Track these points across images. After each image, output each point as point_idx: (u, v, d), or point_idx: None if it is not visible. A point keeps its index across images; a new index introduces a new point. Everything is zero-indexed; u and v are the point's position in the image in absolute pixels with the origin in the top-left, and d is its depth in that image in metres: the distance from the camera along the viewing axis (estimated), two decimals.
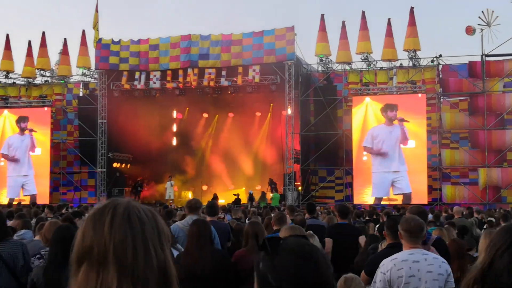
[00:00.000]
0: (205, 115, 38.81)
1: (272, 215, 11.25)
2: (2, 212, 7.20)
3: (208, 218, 9.64)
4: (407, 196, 29.07)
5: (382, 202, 28.75)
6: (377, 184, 30.03)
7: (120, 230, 1.84)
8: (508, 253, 1.84)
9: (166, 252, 1.91)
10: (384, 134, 30.11)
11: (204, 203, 19.89)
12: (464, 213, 17.32)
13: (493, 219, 13.99)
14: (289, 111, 31.93)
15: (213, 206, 9.88)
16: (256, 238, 6.89)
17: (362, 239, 9.76)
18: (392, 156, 29.88)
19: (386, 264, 5.47)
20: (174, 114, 38.72)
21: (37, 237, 7.94)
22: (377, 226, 11.68)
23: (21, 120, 34.86)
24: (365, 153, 30.65)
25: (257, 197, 32.88)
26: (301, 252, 1.99)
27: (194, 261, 6.35)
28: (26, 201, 31.57)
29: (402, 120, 29.68)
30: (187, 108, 38.22)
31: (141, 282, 1.81)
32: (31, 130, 34.50)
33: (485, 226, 14.62)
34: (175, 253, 6.86)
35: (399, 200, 28.74)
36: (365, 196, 30.36)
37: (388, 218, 6.98)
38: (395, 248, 6.34)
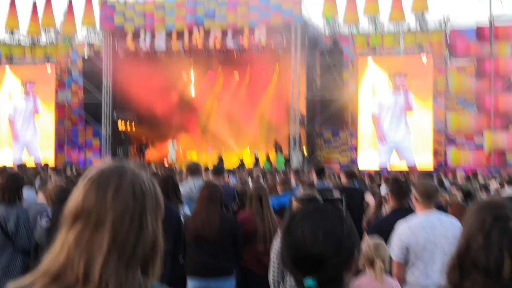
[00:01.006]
0: (211, 76, 38.67)
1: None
2: (19, 176, 7.21)
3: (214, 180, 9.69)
4: (410, 168, 28.94)
5: (388, 169, 28.74)
6: (382, 150, 30.07)
7: (123, 202, 1.83)
8: (481, 232, 1.77)
9: (159, 226, 1.93)
10: (390, 101, 30.07)
11: (209, 164, 19.85)
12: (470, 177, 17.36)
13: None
14: (294, 73, 31.76)
15: (219, 169, 9.92)
16: (260, 201, 6.92)
17: (369, 197, 9.83)
18: (397, 124, 29.87)
19: (402, 230, 5.47)
20: (179, 74, 38.52)
21: (40, 197, 7.98)
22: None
23: (27, 83, 34.94)
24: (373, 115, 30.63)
25: (261, 159, 32.89)
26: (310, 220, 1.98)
27: (202, 224, 6.39)
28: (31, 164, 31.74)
29: (405, 89, 29.76)
30: (192, 69, 38.05)
31: (126, 257, 1.81)
32: (34, 96, 34.65)
33: (491, 191, 14.66)
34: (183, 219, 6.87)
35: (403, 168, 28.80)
36: (369, 160, 30.41)
37: (392, 182, 6.97)
38: (400, 212, 6.35)
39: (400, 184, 6.61)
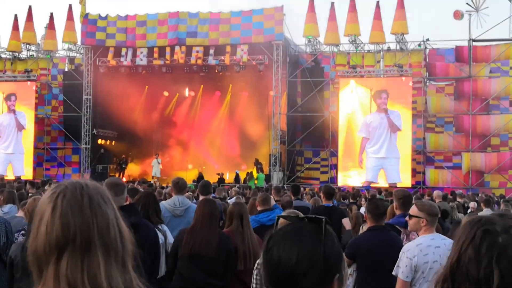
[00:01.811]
0: (192, 93, 38.68)
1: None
2: None
3: (201, 197, 9.65)
4: (392, 186, 29.07)
5: (354, 184, 28.80)
6: (369, 168, 30.14)
7: (101, 211, 1.82)
8: (472, 245, 1.85)
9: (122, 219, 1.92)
10: (376, 121, 30.22)
11: (189, 182, 19.62)
12: (449, 197, 17.49)
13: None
14: (276, 91, 31.89)
15: (206, 186, 9.85)
16: (241, 219, 6.91)
17: (345, 222, 9.78)
18: (382, 142, 30.01)
19: (412, 250, 5.53)
20: (160, 91, 38.51)
21: (19, 213, 7.90)
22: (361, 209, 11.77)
23: (7, 98, 34.78)
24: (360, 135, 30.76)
25: (243, 177, 32.91)
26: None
27: (200, 241, 6.34)
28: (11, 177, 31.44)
29: (385, 110, 29.96)
30: (174, 86, 38.07)
31: (120, 259, 1.82)
32: (14, 111, 34.44)
33: (468, 211, 14.80)
34: (161, 237, 6.82)
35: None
36: (349, 178, 30.51)
37: (369, 202, 7.03)
38: (376, 231, 6.42)
39: (377, 204, 6.67)
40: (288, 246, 1.96)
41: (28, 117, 34.61)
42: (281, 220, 2.16)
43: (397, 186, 27.32)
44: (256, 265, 5.55)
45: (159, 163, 34.12)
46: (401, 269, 5.53)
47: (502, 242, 1.82)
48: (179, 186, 8.83)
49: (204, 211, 6.51)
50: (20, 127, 34.42)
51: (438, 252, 5.47)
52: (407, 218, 5.94)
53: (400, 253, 5.59)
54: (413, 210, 5.79)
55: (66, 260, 1.76)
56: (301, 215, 2.14)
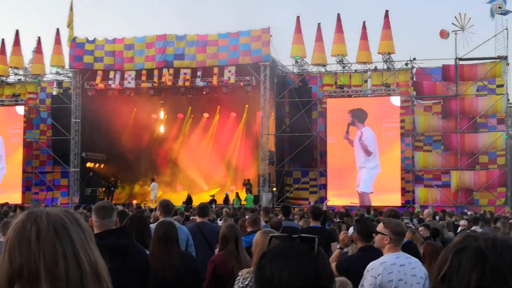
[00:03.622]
0: (180, 115, 38.67)
1: (247, 216, 11.20)
2: None
3: (199, 219, 9.59)
4: (363, 195, 29.53)
5: (344, 204, 28.88)
6: (364, 180, 30.46)
7: (49, 243, 1.76)
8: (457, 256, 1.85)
9: (94, 251, 1.86)
10: (355, 143, 30.72)
11: (178, 204, 19.51)
12: (437, 217, 17.47)
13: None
14: (263, 112, 31.94)
15: (204, 208, 9.79)
16: (236, 242, 6.84)
17: (334, 246, 9.56)
18: (361, 164, 30.47)
19: (376, 268, 5.48)
20: (149, 113, 38.50)
21: (2, 238, 7.81)
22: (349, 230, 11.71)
23: None
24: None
25: (232, 198, 32.84)
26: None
27: (163, 266, 6.26)
28: None
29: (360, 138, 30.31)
30: (162, 108, 38.06)
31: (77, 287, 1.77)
32: None
33: (459, 229, 14.80)
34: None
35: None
36: (338, 198, 30.50)
37: (358, 222, 7.01)
38: (367, 251, 6.38)
39: (367, 224, 6.65)
40: (280, 264, 1.96)
41: (16, 141, 34.47)
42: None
43: (386, 205, 27.36)
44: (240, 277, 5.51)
45: (156, 186, 34.03)
46: None
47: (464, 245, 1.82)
48: (169, 208, 8.79)
49: (158, 235, 6.46)
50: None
51: (403, 271, 5.43)
52: (374, 234, 5.92)
53: (365, 271, 5.54)
54: (379, 227, 5.77)
55: None
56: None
